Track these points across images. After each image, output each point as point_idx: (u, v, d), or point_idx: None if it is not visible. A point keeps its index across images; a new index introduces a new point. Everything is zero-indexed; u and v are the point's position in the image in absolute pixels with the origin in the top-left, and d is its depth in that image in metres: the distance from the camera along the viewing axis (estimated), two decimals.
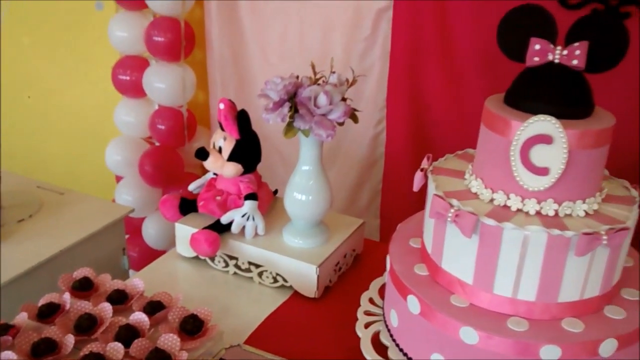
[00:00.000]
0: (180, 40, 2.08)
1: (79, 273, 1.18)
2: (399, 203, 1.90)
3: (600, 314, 0.94)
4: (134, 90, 2.14)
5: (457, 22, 1.67)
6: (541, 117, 0.87)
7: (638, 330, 0.92)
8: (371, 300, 1.19)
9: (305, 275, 1.27)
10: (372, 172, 1.97)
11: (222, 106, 1.29)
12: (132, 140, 2.17)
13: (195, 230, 1.32)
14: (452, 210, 0.92)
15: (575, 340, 0.89)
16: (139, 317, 1.04)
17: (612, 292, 0.97)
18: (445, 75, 1.73)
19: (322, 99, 1.16)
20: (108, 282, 1.17)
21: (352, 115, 1.23)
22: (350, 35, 1.90)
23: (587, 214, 0.93)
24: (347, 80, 1.25)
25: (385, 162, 1.93)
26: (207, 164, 1.33)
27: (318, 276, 1.26)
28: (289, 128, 1.20)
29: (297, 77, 1.23)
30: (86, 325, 1.03)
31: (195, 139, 2.19)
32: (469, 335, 0.91)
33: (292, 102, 1.18)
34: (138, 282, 1.16)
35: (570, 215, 0.92)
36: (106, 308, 1.06)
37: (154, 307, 1.08)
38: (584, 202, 0.92)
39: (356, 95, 1.97)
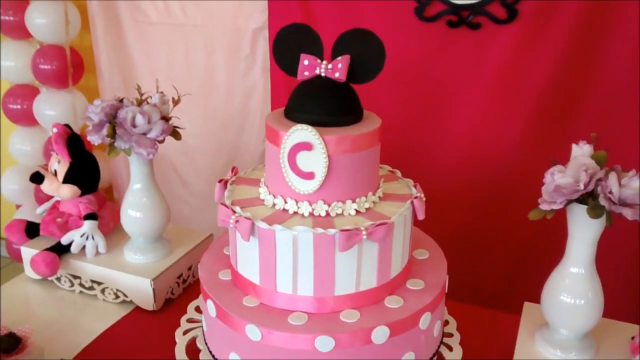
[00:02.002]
0: (67, 67, 2.11)
1: None
2: None
3: (380, 305, 1.02)
4: (26, 118, 2.17)
5: (327, 34, 1.77)
6: (299, 126, 0.95)
7: (412, 317, 0.99)
8: (197, 309, 1.25)
9: (142, 289, 1.31)
10: None
11: (54, 130, 1.34)
12: (28, 168, 2.18)
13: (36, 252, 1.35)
14: (233, 217, 0.99)
15: (348, 329, 0.96)
16: None
17: (394, 283, 1.05)
18: None
19: (139, 119, 1.22)
20: None
21: (174, 132, 1.29)
22: (232, 56, 1.98)
23: (358, 212, 1.01)
24: (172, 99, 1.31)
25: None
26: (43, 187, 1.37)
27: (154, 289, 1.31)
28: (112, 148, 1.25)
29: (121, 99, 1.28)
30: None
31: None
32: (253, 332, 0.97)
33: (113, 123, 1.23)
34: None
35: (342, 214, 1.00)
36: None
37: None
38: (353, 202, 1.00)
39: (243, 112, 2.05)
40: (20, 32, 2.08)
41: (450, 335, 1.17)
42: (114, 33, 2.09)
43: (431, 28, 1.66)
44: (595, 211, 0.95)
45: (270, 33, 1.87)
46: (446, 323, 1.21)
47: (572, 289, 1.05)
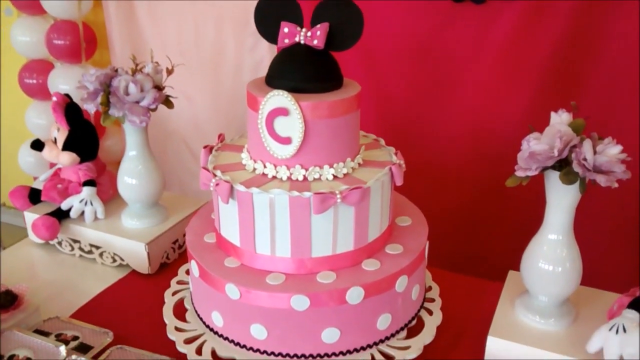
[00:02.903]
0: (80, 43, 2.16)
1: None
2: None
3: (357, 267, 1.05)
4: (41, 93, 2.23)
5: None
6: (276, 92, 0.97)
7: (387, 279, 1.02)
8: (188, 272, 1.29)
9: (137, 253, 1.36)
10: None
11: (54, 99, 1.38)
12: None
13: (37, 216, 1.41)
14: (213, 180, 1.02)
15: (323, 289, 0.99)
16: None
17: (372, 247, 1.07)
18: None
19: (132, 88, 1.26)
20: None
21: (167, 101, 1.32)
22: (240, 31, 2.00)
23: (336, 177, 1.03)
24: (166, 68, 1.34)
25: None
26: (44, 154, 1.42)
27: (148, 253, 1.35)
28: (106, 116, 1.29)
29: (116, 69, 1.32)
30: None
31: (107, 136, 2.25)
32: (233, 291, 1.01)
33: (107, 91, 1.27)
34: None
35: (319, 179, 1.02)
36: None
37: None
38: (331, 167, 1.03)
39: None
40: (35, 8, 2.13)
41: (432, 300, 1.20)
42: (126, 8, 2.12)
43: (436, 3, 1.65)
44: (569, 177, 0.96)
45: None
46: (429, 289, 1.23)
47: (550, 256, 1.06)
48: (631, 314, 0.98)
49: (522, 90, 1.64)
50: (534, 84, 1.62)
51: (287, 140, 0.99)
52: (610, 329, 0.97)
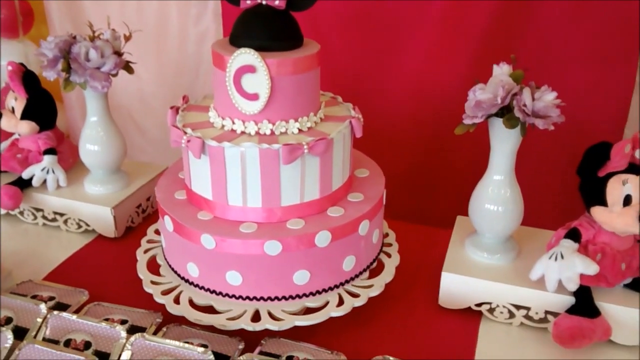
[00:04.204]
0: (16, 17, 2.11)
1: None
2: None
3: (323, 214, 1.12)
4: None
5: None
6: (243, 50, 1.03)
7: (351, 223, 1.10)
8: (156, 232, 1.33)
9: (103, 217, 1.39)
10: None
11: (9, 68, 1.38)
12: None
13: None
14: (184, 137, 1.07)
15: (294, 234, 1.06)
16: None
17: (336, 196, 1.15)
18: None
19: (93, 54, 1.28)
20: None
21: (127, 66, 1.35)
22: (183, 1, 2.00)
23: (300, 131, 1.10)
24: (124, 35, 1.37)
25: None
26: (2, 124, 1.41)
27: (114, 217, 1.39)
28: (67, 83, 1.30)
29: (74, 36, 1.33)
30: None
31: None
32: (208, 241, 1.07)
33: (67, 58, 1.29)
34: None
35: (285, 133, 1.09)
36: None
37: None
38: (296, 121, 1.09)
39: (196, 58, 2.10)
40: None
41: (390, 245, 1.29)
42: None
43: None
44: (511, 122, 1.07)
45: None
46: (387, 235, 1.33)
47: (494, 196, 1.18)
48: (567, 242, 1.11)
49: (462, 53, 1.74)
50: (472, 44, 1.73)
51: (254, 97, 1.05)
52: (549, 257, 1.09)
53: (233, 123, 1.09)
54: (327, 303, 1.11)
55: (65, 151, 1.48)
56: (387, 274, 1.20)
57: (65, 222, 1.44)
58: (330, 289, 1.13)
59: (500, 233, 1.21)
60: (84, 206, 1.40)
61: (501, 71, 1.11)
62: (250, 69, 1.03)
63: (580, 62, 1.66)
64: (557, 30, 1.65)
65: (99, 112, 1.38)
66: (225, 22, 2.00)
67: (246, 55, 1.03)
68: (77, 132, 2.32)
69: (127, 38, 1.36)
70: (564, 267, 1.07)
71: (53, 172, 1.42)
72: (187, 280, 1.15)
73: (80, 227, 1.43)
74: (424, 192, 1.90)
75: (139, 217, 1.49)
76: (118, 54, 1.33)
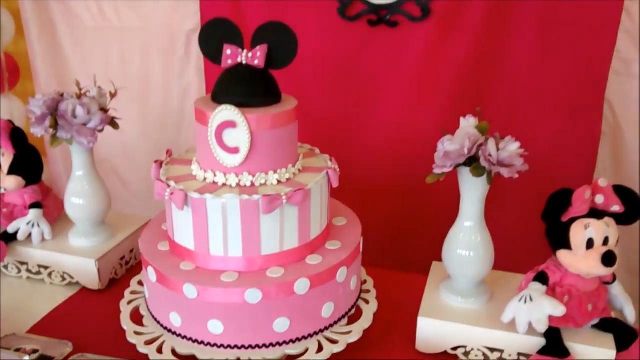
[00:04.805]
0: (2, 73, 2.17)
1: None
2: None
3: (302, 262, 1.17)
4: None
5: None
6: (225, 106, 1.09)
7: (329, 270, 1.15)
8: (140, 283, 1.36)
9: (87, 270, 1.42)
10: None
11: None
12: None
13: None
14: (168, 190, 1.12)
15: (274, 283, 1.10)
16: None
17: (314, 244, 1.20)
18: None
19: (79, 110, 1.33)
20: None
21: (112, 122, 1.40)
22: (167, 57, 2.08)
23: (280, 182, 1.15)
24: (109, 92, 1.43)
25: None
26: None
27: (98, 269, 1.41)
28: (54, 139, 1.35)
29: (61, 94, 1.39)
30: None
31: None
32: (190, 290, 1.10)
33: (54, 115, 1.34)
34: None
35: (265, 184, 1.14)
36: None
37: None
38: (275, 173, 1.15)
39: (179, 112, 2.16)
40: None
41: (368, 291, 1.33)
42: (49, 37, 2.15)
43: (354, 26, 1.81)
44: (477, 171, 1.13)
45: None
46: (365, 282, 1.37)
47: (466, 242, 1.23)
48: (536, 285, 1.16)
49: (435, 103, 1.82)
50: (444, 96, 1.81)
51: (235, 150, 1.11)
52: (519, 300, 1.14)
53: (215, 176, 1.14)
54: (306, 350, 1.14)
55: (50, 205, 1.52)
56: (365, 320, 1.23)
57: (50, 275, 1.46)
58: (310, 335, 1.16)
59: (472, 277, 1.26)
60: (68, 259, 1.43)
61: (467, 123, 1.18)
62: (231, 124, 1.09)
63: (548, 113, 1.75)
64: (525, 82, 1.74)
65: (84, 167, 1.42)
66: (208, 77, 2.07)
67: (227, 112, 1.09)
68: (60, 185, 2.35)
69: (113, 95, 1.42)
70: (533, 309, 1.12)
71: (38, 225, 1.45)
72: (170, 330, 1.17)
73: (64, 279, 1.45)
74: (402, 239, 1.95)
75: (123, 269, 1.51)
76: (104, 110, 1.39)
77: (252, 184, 1.13)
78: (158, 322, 1.20)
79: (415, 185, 1.89)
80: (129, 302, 1.29)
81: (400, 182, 1.91)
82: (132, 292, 1.33)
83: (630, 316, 1.20)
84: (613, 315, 1.20)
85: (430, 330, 1.22)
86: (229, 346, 1.13)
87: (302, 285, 1.11)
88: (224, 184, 1.14)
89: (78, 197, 1.43)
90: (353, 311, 1.26)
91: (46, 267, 1.46)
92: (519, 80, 1.75)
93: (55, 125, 1.33)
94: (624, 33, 1.62)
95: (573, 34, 1.65)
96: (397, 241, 1.95)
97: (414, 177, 1.90)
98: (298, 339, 1.15)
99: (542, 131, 1.75)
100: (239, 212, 1.09)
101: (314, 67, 1.89)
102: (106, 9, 2.06)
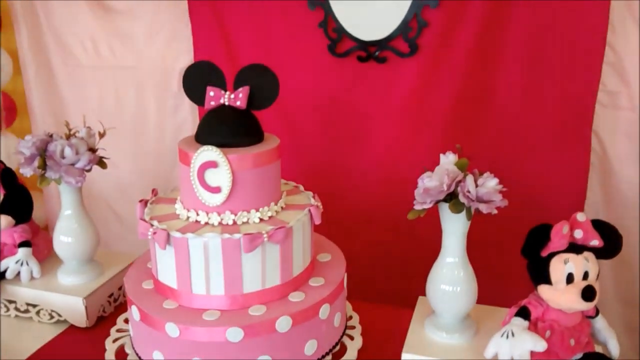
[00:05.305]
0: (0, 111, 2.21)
1: None
2: None
3: (284, 300, 1.17)
4: None
5: None
6: (206, 147, 1.11)
7: (312, 307, 1.15)
8: (126, 320, 1.37)
9: (75, 308, 1.42)
10: None
11: None
12: None
13: None
14: (151, 229, 1.13)
15: (255, 320, 1.11)
16: None
17: (297, 281, 1.21)
18: None
19: (68, 151, 1.36)
20: None
21: (100, 162, 1.43)
22: (161, 94, 2.11)
23: (262, 220, 1.17)
24: (98, 132, 1.45)
25: None
26: None
27: (86, 307, 1.42)
28: (43, 178, 1.37)
29: (51, 134, 1.42)
30: None
31: None
32: (172, 329, 1.11)
33: (43, 155, 1.36)
34: None
35: (247, 222, 1.16)
36: None
37: None
38: (257, 211, 1.17)
39: (174, 147, 2.17)
40: None
41: (353, 327, 1.33)
42: (45, 77, 2.20)
43: (344, 63, 1.84)
44: (457, 207, 1.14)
45: None
46: (350, 318, 1.37)
47: (449, 277, 1.24)
48: (518, 320, 1.16)
49: (423, 138, 1.85)
50: (432, 131, 1.83)
51: (217, 190, 1.13)
52: (501, 336, 1.14)
53: (197, 214, 1.16)
54: None
55: (40, 243, 1.53)
56: (350, 357, 1.23)
57: (38, 313, 1.47)
58: None
59: (456, 313, 1.26)
60: (56, 297, 1.43)
61: (447, 160, 1.20)
62: (213, 164, 1.11)
63: (537, 146, 1.76)
64: (513, 116, 1.76)
65: (73, 206, 1.44)
66: (202, 114, 2.10)
67: (209, 152, 1.11)
68: (56, 222, 2.37)
69: (102, 135, 1.45)
70: (515, 344, 1.12)
71: (27, 264, 1.47)
72: None
73: (52, 317, 1.46)
74: (389, 273, 1.95)
75: (111, 307, 1.52)
76: (92, 150, 1.41)
77: (234, 223, 1.15)
78: None
79: (402, 220, 1.91)
80: (114, 340, 1.30)
81: (389, 216, 1.92)
82: (118, 330, 1.34)
83: (614, 350, 1.20)
84: (597, 349, 1.20)
85: None
86: None
87: (283, 323, 1.12)
88: (207, 223, 1.15)
89: (66, 235, 1.45)
90: (337, 348, 1.26)
91: (34, 305, 1.47)
92: (507, 113, 1.77)
93: (43, 166, 1.35)
94: (608, 66, 1.64)
95: (558, 68, 1.68)
96: (386, 275, 1.95)
97: (402, 212, 1.92)
98: None
99: (532, 164, 1.76)
100: (220, 251, 1.10)
101: (304, 103, 1.92)
102: (101, 47, 2.11)
